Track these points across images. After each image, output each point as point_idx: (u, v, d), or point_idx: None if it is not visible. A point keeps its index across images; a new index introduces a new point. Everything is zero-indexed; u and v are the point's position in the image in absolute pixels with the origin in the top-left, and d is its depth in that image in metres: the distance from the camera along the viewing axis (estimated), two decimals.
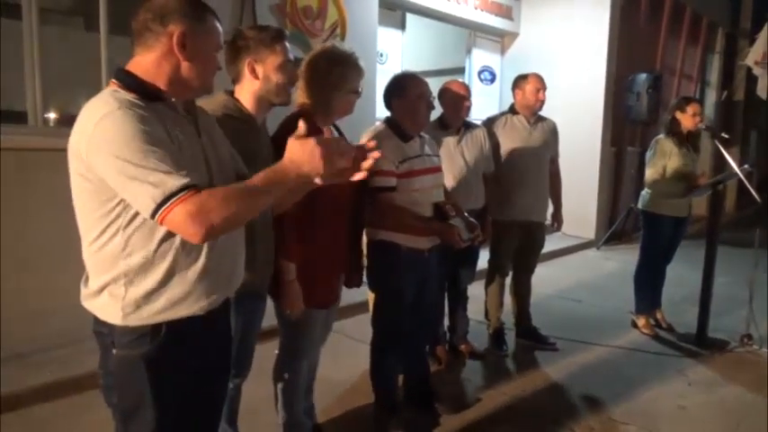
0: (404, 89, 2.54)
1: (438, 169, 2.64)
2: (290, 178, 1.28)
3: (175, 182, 1.21)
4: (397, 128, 2.54)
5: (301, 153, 1.26)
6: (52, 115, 3.82)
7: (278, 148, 2.00)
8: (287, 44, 1.96)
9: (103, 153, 1.23)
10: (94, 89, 1.35)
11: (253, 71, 1.92)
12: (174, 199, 1.20)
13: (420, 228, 2.51)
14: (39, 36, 3.56)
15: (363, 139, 2.52)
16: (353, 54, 2.19)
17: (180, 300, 1.37)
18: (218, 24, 1.43)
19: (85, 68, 3.87)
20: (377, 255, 2.55)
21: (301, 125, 1.31)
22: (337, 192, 1.33)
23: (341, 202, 2.18)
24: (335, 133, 2.27)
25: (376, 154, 1.38)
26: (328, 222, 2.16)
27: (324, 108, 2.17)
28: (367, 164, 1.37)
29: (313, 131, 1.34)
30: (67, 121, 3.76)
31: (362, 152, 1.38)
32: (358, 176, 1.38)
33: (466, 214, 2.66)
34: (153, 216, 1.23)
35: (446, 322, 3.65)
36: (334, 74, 2.12)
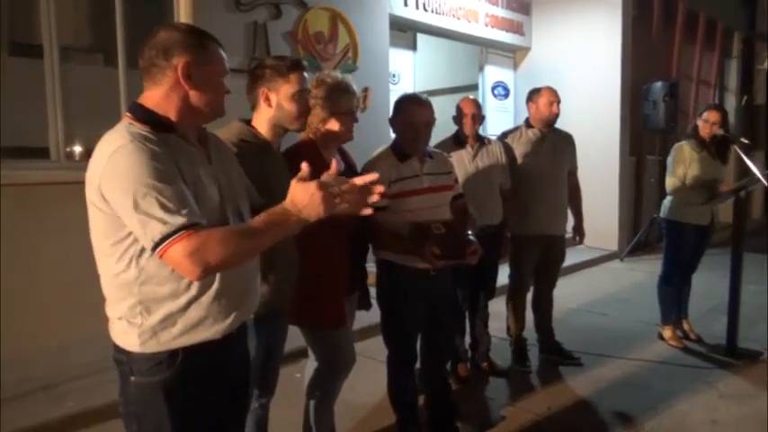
0: (395, 112, 2.57)
1: (440, 188, 2.58)
2: (291, 221, 1.30)
3: (175, 221, 1.24)
4: (396, 147, 2.57)
5: (302, 197, 1.28)
6: (78, 148, 3.92)
7: None
8: (304, 74, 1.99)
9: (114, 185, 1.27)
10: (113, 122, 1.40)
11: (267, 99, 1.97)
12: (173, 238, 1.24)
13: (395, 247, 2.47)
14: (60, 74, 3.67)
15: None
16: (342, 78, 2.23)
17: (196, 324, 1.40)
18: (221, 51, 1.46)
19: (105, 103, 3.97)
20: (379, 274, 2.60)
21: (304, 167, 1.32)
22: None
23: (340, 221, 2.16)
24: (341, 161, 2.29)
25: (380, 188, 1.38)
26: (326, 239, 2.11)
27: (316, 135, 2.21)
28: (375, 198, 1.39)
29: (318, 163, 1.34)
30: (88, 154, 3.86)
31: (366, 188, 1.38)
32: (366, 212, 1.40)
33: (469, 232, 2.53)
34: (153, 251, 1.27)
35: (467, 340, 3.61)
36: (312, 97, 2.13)
